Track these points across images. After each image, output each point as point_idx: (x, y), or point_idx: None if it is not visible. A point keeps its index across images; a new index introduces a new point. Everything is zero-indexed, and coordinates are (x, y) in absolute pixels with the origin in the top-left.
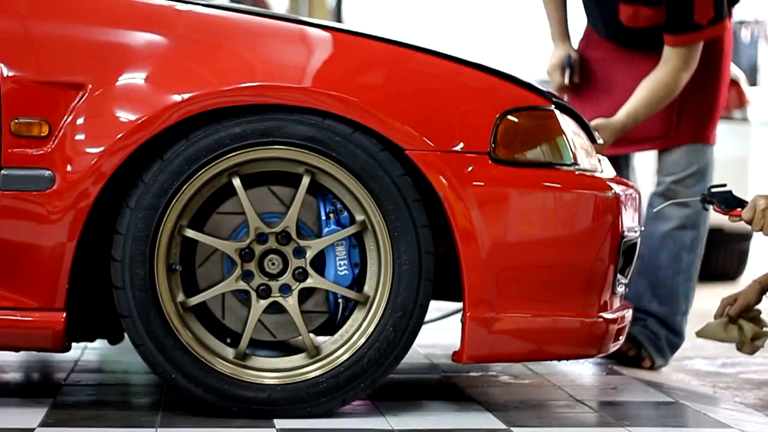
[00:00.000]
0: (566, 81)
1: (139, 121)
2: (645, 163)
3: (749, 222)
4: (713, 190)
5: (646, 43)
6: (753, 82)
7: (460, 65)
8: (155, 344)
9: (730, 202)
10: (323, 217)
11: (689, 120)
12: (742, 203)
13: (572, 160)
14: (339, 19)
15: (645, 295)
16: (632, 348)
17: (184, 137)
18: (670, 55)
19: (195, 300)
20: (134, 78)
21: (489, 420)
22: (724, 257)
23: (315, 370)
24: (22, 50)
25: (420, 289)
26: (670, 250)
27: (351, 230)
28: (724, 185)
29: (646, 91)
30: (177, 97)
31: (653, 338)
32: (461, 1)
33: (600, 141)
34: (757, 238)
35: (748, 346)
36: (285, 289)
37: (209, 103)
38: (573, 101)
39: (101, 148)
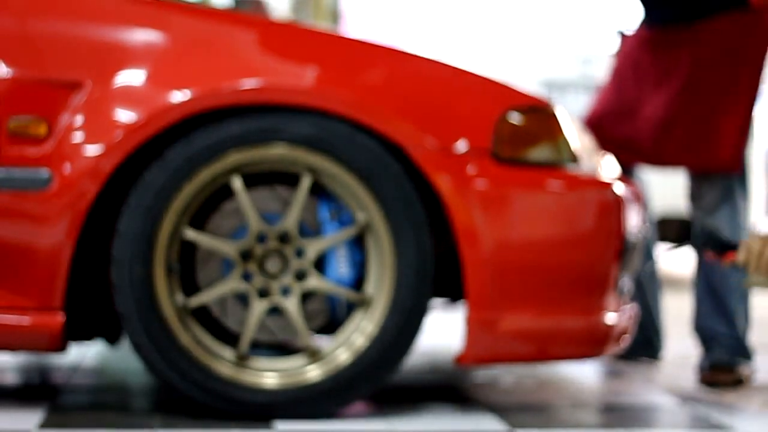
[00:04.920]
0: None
1: (139, 121)
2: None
3: (745, 265)
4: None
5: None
6: None
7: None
8: (154, 345)
9: (722, 246)
10: (324, 217)
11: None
12: (734, 246)
13: (574, 160)
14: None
15: (721, 323)
16: (723, 373)
17: (185, 137)
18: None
19: (195, 300)
20: (134, 77)
21: (491, 422)
22: None
23: (315, 370)
24: (21, 48)
25: (420, 289)
26: (732, 278)
27: (352, 230)
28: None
29: None
30: (177, 97)
31: (732, 357)
32: (462, 1)
33: None
34: None
35: None
36: (286, 290)
37: (209, 103)
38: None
39: (100, 148)
